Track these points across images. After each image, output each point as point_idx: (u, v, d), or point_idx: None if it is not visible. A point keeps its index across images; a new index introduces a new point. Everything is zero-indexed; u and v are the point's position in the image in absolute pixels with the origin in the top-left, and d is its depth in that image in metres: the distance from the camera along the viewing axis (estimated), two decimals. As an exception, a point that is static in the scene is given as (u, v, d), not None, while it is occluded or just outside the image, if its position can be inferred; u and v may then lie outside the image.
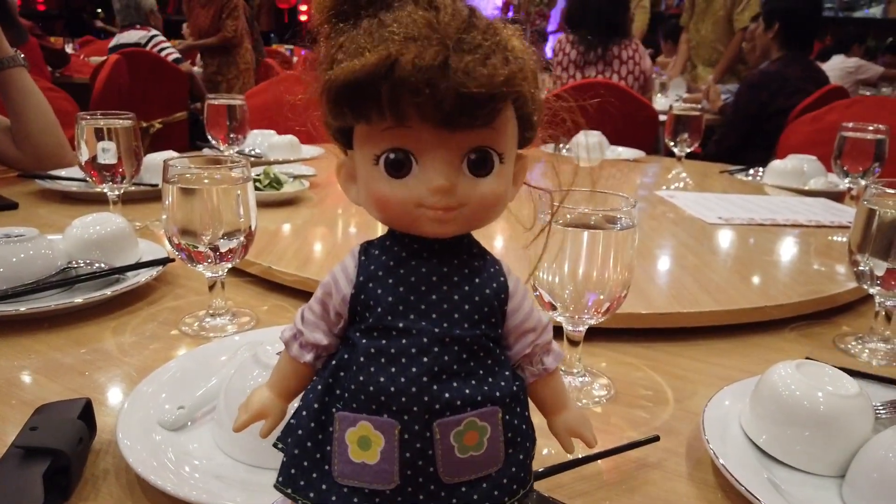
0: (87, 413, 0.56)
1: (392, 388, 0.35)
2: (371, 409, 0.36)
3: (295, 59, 6.31)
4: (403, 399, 0.35)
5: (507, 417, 0.37)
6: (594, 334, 0.76)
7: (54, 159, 1.54)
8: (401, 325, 0.36)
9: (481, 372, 0.37)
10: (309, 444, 0.37)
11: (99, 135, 1.16)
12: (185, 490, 0.48)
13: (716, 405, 0.63)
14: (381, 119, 0.33)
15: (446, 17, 0.33)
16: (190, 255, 0.79)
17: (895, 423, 0.55)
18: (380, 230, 0.40)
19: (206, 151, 1.77)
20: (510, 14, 9.27)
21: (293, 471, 0.38)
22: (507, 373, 0.38)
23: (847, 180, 1.63)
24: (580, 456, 0.57)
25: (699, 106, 2.33)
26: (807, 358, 0.72)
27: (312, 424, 0.38)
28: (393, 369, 0.36)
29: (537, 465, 0.54)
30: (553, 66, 3.03)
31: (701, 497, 0.55)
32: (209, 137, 1.70)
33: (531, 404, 0.41)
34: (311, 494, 0.37)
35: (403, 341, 0.36)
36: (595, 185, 0.59)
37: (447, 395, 0.35)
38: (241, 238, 0.80)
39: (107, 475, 0.54)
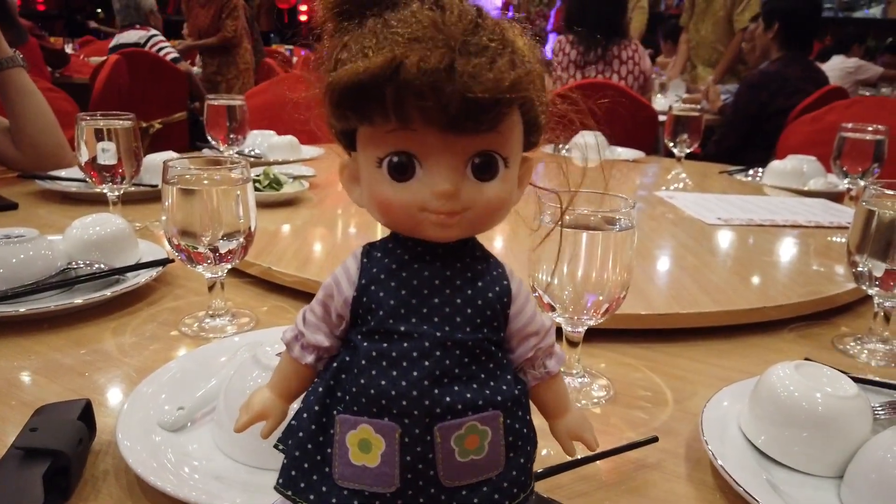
0: (86, 414, 0.56)
1: (393, 392, 0.35)
2: (372, 412, 0.36)
3: (295, 59, 6.31)
4: (404, 402, 0.35)
5: (509, 421, 0.37)
6: (593, 335, 0.76)
7: (54, 160, 1.54)
8: (402, 328, 0.36)
9: (483, 376, 0.37)
10: (310, 446, 0.37)
11: (99, 135, 1.16)
12: (185, 491, 0.48)
13: (714, 406, 0.63)
14: (385, 121, 0.33)
15: (452, 17, 0.32)
16: (189, 256, 0.79)
17: (894, 424, 0.55)
18: (380, 231, 0.40)
19: (205, 152, 1.78)
20: (510, 14, 9.28)
21: (294, 473, 0.38)
22: (508, 377, 0.38)
23: (846, 181, 1.63)
24: (579, 457, 0.57)
25: (699, 106, 2.33)
26: (805, 359, 0.72)
27: (313, 426, 0.37)
28: (394, 373, 0.35)
29: (537, 466, 0.54)
30: (553, 66, 3.03)
31: (699, 498, 0.56)
32: (209, 138, 1.70)
33: (532, 407, 0.41)
34: (312, 497, 0.37)
35: (405, 345, 0.36)
36: (607, 185, 0.58)
37: (448, 398, 0.35)
38: (241, 239, 0.80)
39: (107, 476, 0.54)
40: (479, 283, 0.37)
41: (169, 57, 4.00)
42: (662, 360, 0.80)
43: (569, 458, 0.55)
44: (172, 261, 0.96)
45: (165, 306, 0.90)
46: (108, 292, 0.86)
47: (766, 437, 0.58)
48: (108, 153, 1.16)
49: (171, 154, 1.41)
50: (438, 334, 0.36)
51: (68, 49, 5.79)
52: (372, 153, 0.35)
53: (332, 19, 0.35)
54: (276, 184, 1.40)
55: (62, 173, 1.48)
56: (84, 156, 1.17)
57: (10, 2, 3.44)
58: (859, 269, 0.82)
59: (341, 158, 0.39)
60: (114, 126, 1.17)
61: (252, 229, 0.81)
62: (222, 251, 0.79)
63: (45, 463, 0.49)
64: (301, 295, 0.94)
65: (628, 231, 0.65)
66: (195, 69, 4.75)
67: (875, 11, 9.13)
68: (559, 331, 0.70)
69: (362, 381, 0.36)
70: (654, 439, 0.60)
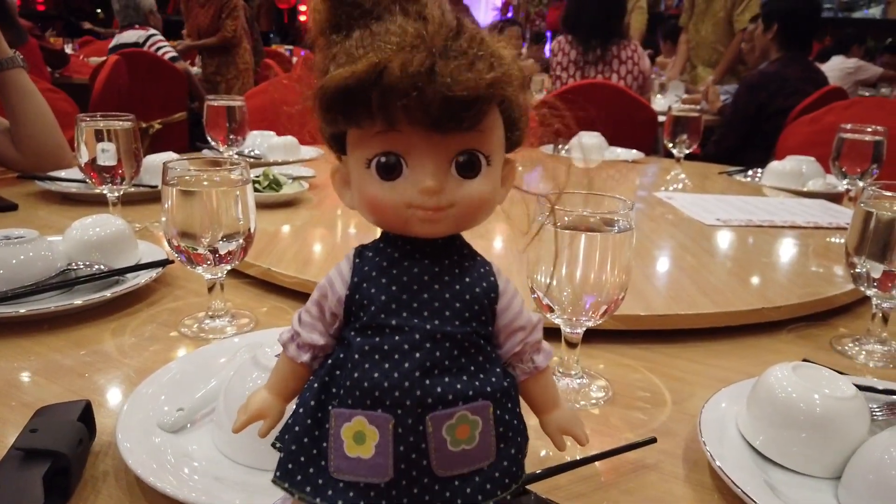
0: (86, 415, 0.56)
1: (386, 384, 0.36)
2: (366, 405, 0.36)
3: (294, 59, 6.32)
4: (397, 394, 0.36)
5: (498, 412, 0.38)
6: (592, 336, 0.77)
7: (54, 161, 1.54)
8: (394, 322, 0.37)
9: (472, 368, 0.38)
10: (306, 440, 0.38)
11: (98, 136, 1.17)
12: (185, 491, 0.49)
13: (713, 407, 0.63)
14: (372, 124, 0.35)
15: (434, 27, 0.34)
16: (189, 257, 0.79)
17: (891, 425, 0.56)
18: (379, 230, 0.40)
19: (205, 152, 1.78)
20: (510, 14, 9.29)
21: (290, 466, 0.38)
22: (498, 370, 0.39)
23: (845, 182, 1.63)
24: (578, 458, 0.57)
25: (698, 107, 2.33)
26: (804, 360, 0.72)
27: (309, 421, 0.38)
28: (386, 365, 0.36)
29: (535, 467, 0.54)
30: (553, 66, 3.04)
31: (697, 499, 0.56)
32: (208, 138, 1.70)
33: (524, 405, 0.42)
34: (308, 489, 0.38)
35: (396, 338, 0.37)
36: (592, 186, 0.59)
37: (439, 389, 0.36)
38: (241, 240, 0.80)
39: (106, 477, 0.54)
40: (467, 279, 0.39)
41: (167, 56, 4.00)
42: (661, 361, 0.80)
43: (567, 459, 0.56)
44: (172, 262, 0.96)
45: (165, 307, 0.90)
46: (107, 293, 0.86)
47: (765, 438, 0.58)
48: (107, 154, 1.17)
49: (170, 155, 1.41)
50: (428, 327, 0.37)
51: (68, 49, 5.79)
52: (361, 154, 0.37)
53: (322, 34, 0.37)
54: (275, 185, 1.40)
55: (62, 174, 1.49)
56: (84, 157, 1.17)
57: (9, 2, 3.44)
58: (857, 270, 0.83)
59: (332, 164, 0.41)
60: (113, 127, 1.17)
61: (252, 230, 0.81)
62: (222, 252, 0.79)
63: (45, 464, 0.49)
64: (301, 296, 0.94)
65: (627, 232, 0.65)
66: (195, 69, 4.75)
67: (875, 12, 9.14)
68: (558, 331, 0.70)
69: (356, 375, 0.37)
70: (653, 440, 0.60)
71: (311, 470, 0.38)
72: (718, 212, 1.47)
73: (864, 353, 0.84)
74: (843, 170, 1.62)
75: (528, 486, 0.52)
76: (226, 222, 0.78)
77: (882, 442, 0.53)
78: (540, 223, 0.57)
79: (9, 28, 1.48)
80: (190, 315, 0.87)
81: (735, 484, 0.52)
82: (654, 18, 5.41)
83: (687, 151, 2.10)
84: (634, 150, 2.23)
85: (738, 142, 2.91)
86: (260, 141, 1.88)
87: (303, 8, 11.94)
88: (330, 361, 0.39)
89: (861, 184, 1.53)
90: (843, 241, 0.87)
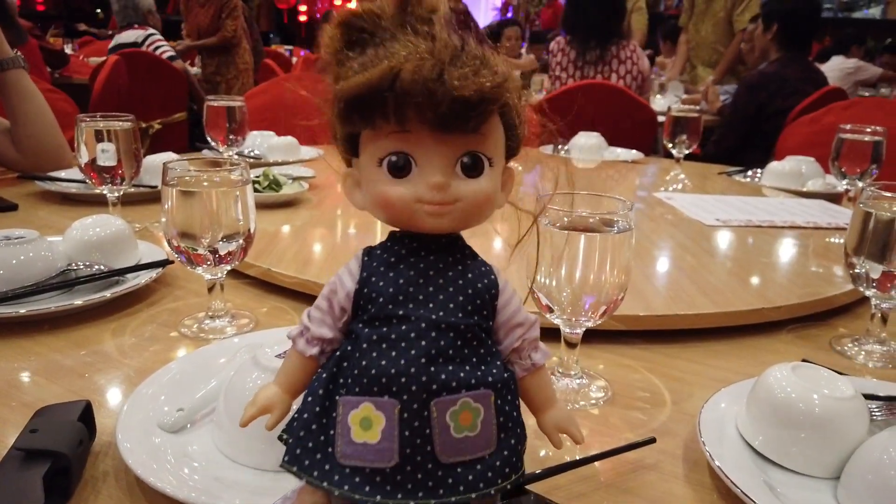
0: (86, 415, 0.56)
1: (392, 370, 0.38)
2: (373, 392, 0.38)
3: (294, 59, 6.32)
4: (403, 380, 0.38)
5: (499, 402, 0.40)
6: (592, 336, 0.77)
7: (54, 161, 1.54)
8: (401, 312, 0.39)
9: (474, 359, 0.40)
10: (314, 426, 0.40)
11: (98, 137, 1.17)
12: (185, 492, 0.49)
13: (712, 407, 0.63)
14: (385, 124, 0.38)
15: (441, 44, 0.38)
16: (189, 258, 0.79)
17: (890, 426, 0.56)
18: (379, 230, 0.41)
19: (205, 153, 1.78)
20: (509, 14, 9.28)
21: (298, 451, 0.40)
22: (498, 362, 0.41)
23: (845, 182, 1.63)
24: (577, 458, 0.57)
25: (698, 107, 2.33)
26: (803, 360, 0.72)
27: (317, 409, 0.40)
28: (393, 353, 0.38)
29: (535, 467, 0.54)
30: (552, 66, 3.04)
31: (697, 499, 0.56)
32: (208, 139, 1.70)
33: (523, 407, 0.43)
34: (315, 473, 0.39)
35: (403, 327, 0.39)
36: (572, 185, 0.60)
37: (443, 376, 0.38)
38: (241, 240, 0.80)
39: (106, 477, 0.54)
40: (470, 275, 0.41)
41: (165, 55, 3.99)
42: (661, 362, 0.80)
43: (567, 459, 0.56)
44: (172, 262, 0.96)
45: (165, 307, 0.90)
46: (107, 293, 0.86)
47: (764, 438, 0.58)
48: (107, 154, 1.17)
49: (170, 155, 1.41)
50: (434, 317, 0.39)
51: (67, 49, 5.79)
52: (373, 154, 0.40)
53: (336, 54, 0.40)
54: (275, 185, 1.40)
55: (62, 174, 1.49)
56: (84, 157, 1.17)
57: (9, 2, 3.44)
58: (857, 270, 0.83)
59: (343, 170, 0.44)
60: (113, 127, 1.17)
61: (251, 231, 0.81)
62: (222, 252, 0.79)
63: (45, 464, 0.49)
64: (301, 296, 0.94)
65: (626, 233, 0.65)
66: (194, 70, 4.75)
67: (874, 12, 9.14)
68: (557, 332, 0.70)
69: (363, 364, 0.39)
70: (652, 440, 0.60)
71: (319, 456, 0.39)
72: (718, 212, 1.47)
73: (863, 353, 0.84)
74: (843, 170, 1.62)
75: (527, 486, 0.52)
76: (226, 223, 0.78)
77: (881, 442, 0.53)
78: (547, 224, 0.59)
79: (8, 28, 1.48)
80: (190, 315, 0.87)
81: (734, 484, 0.52)
82: (653, 18, 5.41)
83: (686, 152, 2.10)
84: (634, 151, 2.23)
85: (738, 142, 2.91)
86: (260, 141, 1.88)
87: (303, 8, 11.94)
88: (338, 353, 0.41)
89: (860, 184, 1.53)
90: (842, 241, 0.87)
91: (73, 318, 0.84)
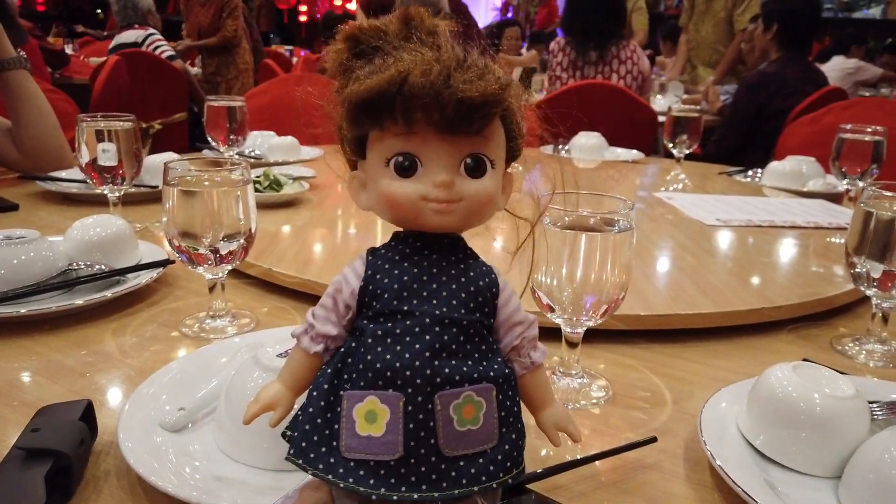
0: (88, 414, 0.56)
1: (397, 364, 0.39)
2: (378, 385, 0.39)
3: (294, 59, 6.32)
4: (408, 373, 0.39)
5: (500, 397, 0.41)
6: (592, 336, 0.77)
7: (55, 162, 1.54)
8: (405, 308, 0.40)
9: (477, 355, 0.41)
10: (319, 420, 0.40)
11: (99, 136, 1.17)
12: (186, 491, 0.49)
13: (713, 407, 0.63)
14: (393, 124, 0.39)
15: (446, 54, 0.40)
16: (190, 257, 0.79)
17: (891, 425, 0.56)
18: (379, 230, 0.42)
19: (206, 153, 1.78)
20: (510, 14, 9.28)
21: (304, 444, 0.40)
22: (499, 359, 0.42)
23: (845, 182, 1.63)
24: (578, 457, 0.57)
25: (698, 107, 2.33)
26: (804, 359, 0.72)
27: (322, 403, 0.41)
28: (398, 347, 0.39)
29: (536, 466, 0.54)
30: (553, 66, 3.04)
31: (698, 498, 0.56)
32: (209, 139, 1.70)
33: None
34: (320, 466, 0.40)
35: (407, 322, 0.40)
36: (565, 186, 0.61)
37: (447, 370, 0.39)
38: (242, 240, 0.80)
39: (108, 476, 0.54)
40: (472, 273, 0.43)
41: (165, 55, 3.99)
42: (661, 361, 0.80)
43: (568, 459, 0.56)
44: (173, 262, 0.96)
45: (166, 307, 0.90)
46: (108, 293, 0.86)
47: (765, 437, 0.58)
48: (108, 154, 1.17)
49: (171, 155, 1.41)
50: (437, 313, 0.40)
51: (68, 50, 5.79)
52: (381, 154, 0.41)
53: (343, 64, 0.42)
54: (276, 185, 1.40)
55: (63, 174, 1.49)
56: (85, 157, 1.17)
57: (9, 2, 3.44)
58: (857, 270, 0.83)
59: (346, 172, 0.46)
60: (114, 127, 1.17)
61: (252, 230, 0.81)
62: (223, 252, 0.79)
63: (46, 463, 0.49)
64: (301, 296, 0.94)
65: (627, 232, 0.65)
66: (195, 70, 4.75)
67: (875, 12, 9.14)
68: (558, 331, 0.70)
69: (368, 358, 0.39)
70: (653, 440, 0.60)
71: (324, 449, 0.40)
72: (718, 212, 1.47)
73: (864, 352, 0.84)
74: (843, 170, 1.62)
75: (528, 486, 0.53)
76: (226, 222, 0.78)
77: (882, 441, 0.53)
78: (548, 224, 0.60)
79: (9, 28, 1.47)
80: (191, 315, 0.87)
81: (735, 483, 0.52)
82: (654, 19, 5.41)
83: (687, 152, 2.10)
84: (634, 151, 2.23)
85: (738, 142, 2.91)
86: (260, 141, 1.88)
87: (303, 8, 11.95)
88: (343, 350, 0.42)
89: (861, 184, 1.53)
90: (843, 241, 0.87)
91: (74, 318, 0.84)
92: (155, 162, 1.37)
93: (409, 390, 0.38)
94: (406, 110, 0.38)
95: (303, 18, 12.04)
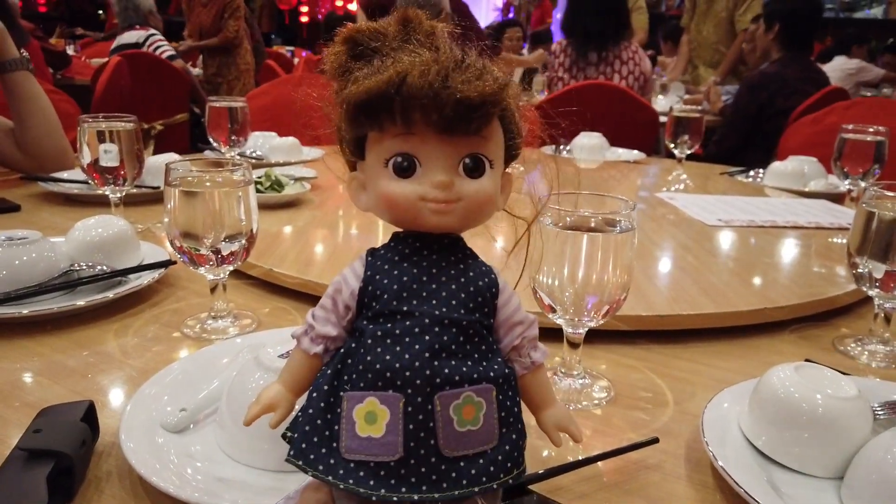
0: (90, 415, 0.56)
1: (397, 365, 0.39)
2: (377, 386, 0.39)
3: (296, 60, 6.32)
4: (407, 374, 0.38)
5: (500, 398, 0.41)
6: (594, 336, 0.77)
7: (57, 162, 1.54)
8: (405, 308, 0.40)
9: (476, 355, 0.41)
10: (319, 421, 0.40)
11: (101, 137, 1.17)
12: (188, 491, 0.49)
13: (715, 407, 0.63)
14: (392, 125, 0.39)
15: (444, 54, 0.39)
16: (192, 258, 0.79)
17: (894, 425, 0.56)
18: (381, 231, 0.42)
19: (207, 153, 1.78)
20: (511, 14, 9.27)
21: (304, 446, 0.40)
22: (499, 359, 0.42)
23: (847, 182, 1.63)
24: (580, 458, 0.57)
25: (699, 107, 2.33)
26: (806, 360, 0.72)
27: (322, 404, 0.41)
28: (398, 348, 0.39)
29: (537, 467, 0.54)
30: (555, 67, 3.04)
31: (700, 499, 0.56)
32: (210, 139, 1.70)
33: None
34: (320, 467, 0.40)
35: (407, 323, 0.40)
36: (559, 185, 0.60)
37: (447, 370, 0.39)
38: (243, 241, 0.80)
39: (110, 477, 0.54)
40: (471, 273, 0.42)
41: (165, 55, 3.99)
42: (663, 362, 0.80)
43: (569, 459, 0.56)
44: (174, 262, 0.96)
45: (167, 308, 0.90)
46: (110, 294, 0.86)
47: (767, 438, 0.58)
48: (110, 155, 1.17)
49: (172, 156, 1.41)
50: (437, 313, 0.40)
51: (69, 51, 5.80)
52: (379, 155, 0.41)
53: (341, 66, 0.42)
54: (277, 185, 1.40)
55: (64, 175, 1.49)
56: (86, 158, 1.18)
57: (11, 2, 3.44)
58: (860, 270, 0.82)
59: (346, 173, 0.45)
60: (116, 128, 1.18)
61: (254, 231, 0.81)
62: (224, 253, 0.79)
63: (48, 464, 0.49)
64: (303, 296, 0.94)
65: (628, 233, 0.65)
66: (196, 71, 4.75)
67: (876, 12, 9.13)
68: (560, 332, 0.70)
69: (368, 359, 0.39)
70: (655, 440, 0.60)
71: (324, 450, 0.40)
72: (720, 212, 1.47)
73: (866, 353, 0.84)
74: (845, 170, 1.62)
75: (530, 487, 0.53)
76: (228, 223, 0.78)
77: (884, 442, 0.53)
78: (549, 224, 0.60)
79: (10, 29, 1.47)
80: (192, 316, 0.87)
81: (737, 484, 0.52)
82: (655, 19, 5.40)
83: (688, 152, 2.10)
84: (636, 151, 2.23)
85: (740, 142, 2.91)
86: (262, 142, 1.88)
87: (304, 9, 11.96)
88: (342, 351, 0.41)
89: (863, 184, 1.53)
90: (845, 241, 0.87)
91: (76, 319, 0.84)
92: (156, 162, 1.37)
93: (409, 391, 0.38)
94: (404, 111, 0.38)
95: (304, 19, 12.04)
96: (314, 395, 0.41)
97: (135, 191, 1.31)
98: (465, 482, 0.39)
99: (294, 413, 0.43)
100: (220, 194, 0.78)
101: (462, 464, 0.39)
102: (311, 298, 0.93)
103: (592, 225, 0.65)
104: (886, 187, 0.81)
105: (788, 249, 1.28)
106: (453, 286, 0.41)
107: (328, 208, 1.45)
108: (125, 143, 1.18)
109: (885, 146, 1.58)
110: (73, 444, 0.52)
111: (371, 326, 0.40)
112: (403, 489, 0.38)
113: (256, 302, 0.94)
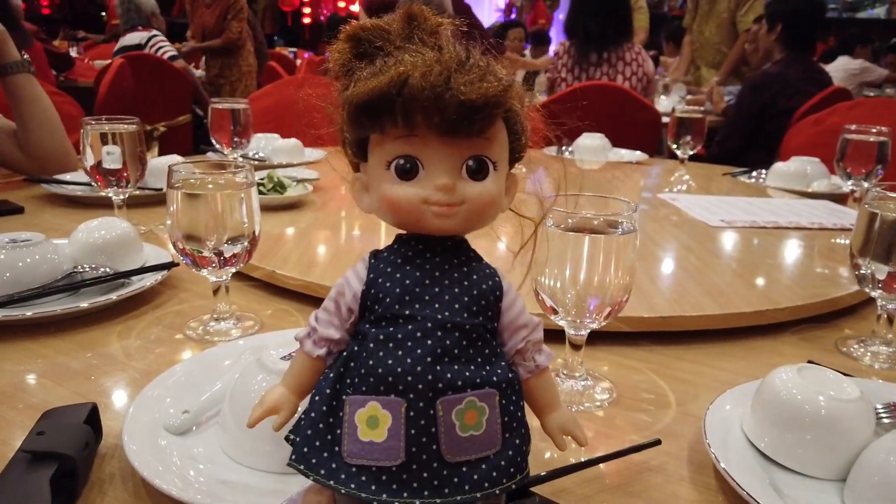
0: (93, 417, 0.57)
1: (399, 369, 0.38)
2: (379, 391, 0.39)
3: (298, 62, 6.33)
4: (409, 378, 0.38)
5: (504, 402, 0.41)
6: (596, 338, 0.77)
7: (59, 164, 1.55)
8: (407, 312, 0.40)
9: (479, 359, 0.40)
10: (321, 425, 0.40)
11: (104, 139, 1.17)
12: (191, 494, 0.49)
13: (717, 409, 0.63)
14: (394, 127, 0.39)
15: (448, 54, 0.39)
16: (194, 260, 0.80)
17: (896, 427, 0.56)
18: (383, 232, 0.42)
19: (209, 155, 1.78)
20: (513, 16, 9.27)
21: (306, 450, 0.40)
22: (503, 363, 0.42)
23: (850, 182, 1.63)
24: (582, 460, 0.57)
25: (702, 108, 2.33)
26: (808, 361, 0.72)
27: (324, 408, 0.40)
28: (400, 352, 0.39)
29: (540, 469, 0.54)
30: (558, 68, 3.04)
31: (702, 501, 0.56)
32: (213, 141, 1.71)
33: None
34: (322, 472, 0.39)
35: (409, 327, 0.39)
36: (561, 187, 0.60)
37: (449, 375, 0.39)
38: (246, 242, 0.80)
39: (113, 479, 0.54)
40: (475, 276, 0.42)
41: (167, 55, 4.00)
42: (665, 363, 0.80)
43: (572, 461, 0.56)
44: (177, 264, 0.96)
45: (170, 310, 0.90)
46: (113, 296, 0.87)
47: (769, 439, 0.58)
48: (112, 157, 1.17)
49: (175, 158, 1.42)
50: (439, 317, 0.40)
51: (73, 53, 5.81)
52: (382, 157, 0.40)
53: (344, 65, 0.41)
54: (280, 187, 1.40)
55: (67, 177, 1.49)
56: (89, 160, 1.18)
57: (14, 5, 3.45)
58: (862, 271, 0.82)
59: (351, 175, 0.45)
60: (118, 130, 1.18)
61: (256, 233, 0.81)
62: (227, 255, 0.79)
63: (51, 466, 0.50)
64: (305, 298, 0.94)
65: (630, 234, 0.65)
66: (199, 72, 4.76)
67: (879, 12, 9.12)
68: (562, 333, 0.70)
69: (370, 363, 0.39)
70: (657, 442, 0.60)
71: (326, 454, 0.40)
72: (722, 213, 1.47)
73: (869, 354, 0.84)
74: (848, 171, 1.61)
75: (532, 489, 0.52)
76: (230, 225, 0.79)
77: (887, 444, 0.52)
78: (551, 226, 0.59)
79: (13, 31, 1.48)
80: (195, 317, 0.87)
81: (740, 486, 0.52)
82: (657, 19, 5.40)
83: (691, 152, 2.09)
84: (638, 152, 2.23)
85: (742, 142, 2.90)
86: (264, 143, 1.88)
87: (307, 10, 11.97)
88: (345, 354, 0.41)
89: (865, 185, 1.52)
90: (847, 242, 0.87)
91: (79, 321, 0.84)
92: (159, 164, 1.37)
93: (411, 396, 0.38)
94: (406, 113, 0.38)
95: (307, 21, 12.06)
96: (317, 398, 0.41)
97: (137, 193, 1.32)
98: (467, 488, 0.39)
99: (297, 416, 0.42)
100: (222, 196, 0.78)
101: (464, 469, 0.39)
102: (313, 300, 0.93)
103: (595, 226, 0.65)
104: (889, 188, 0.81)
105: (791, 250, 1.28)
106: (456, 289, 0.41)
107: (331, 210, 1.45)
108: (128, 145, 1.18)
109: (888, 147, 1.58)
110: (76, 446, 0.52)
111: (373, 330, 0.40)
112: (405, 494, 0.38)
113: (259, 304, 0.94)
